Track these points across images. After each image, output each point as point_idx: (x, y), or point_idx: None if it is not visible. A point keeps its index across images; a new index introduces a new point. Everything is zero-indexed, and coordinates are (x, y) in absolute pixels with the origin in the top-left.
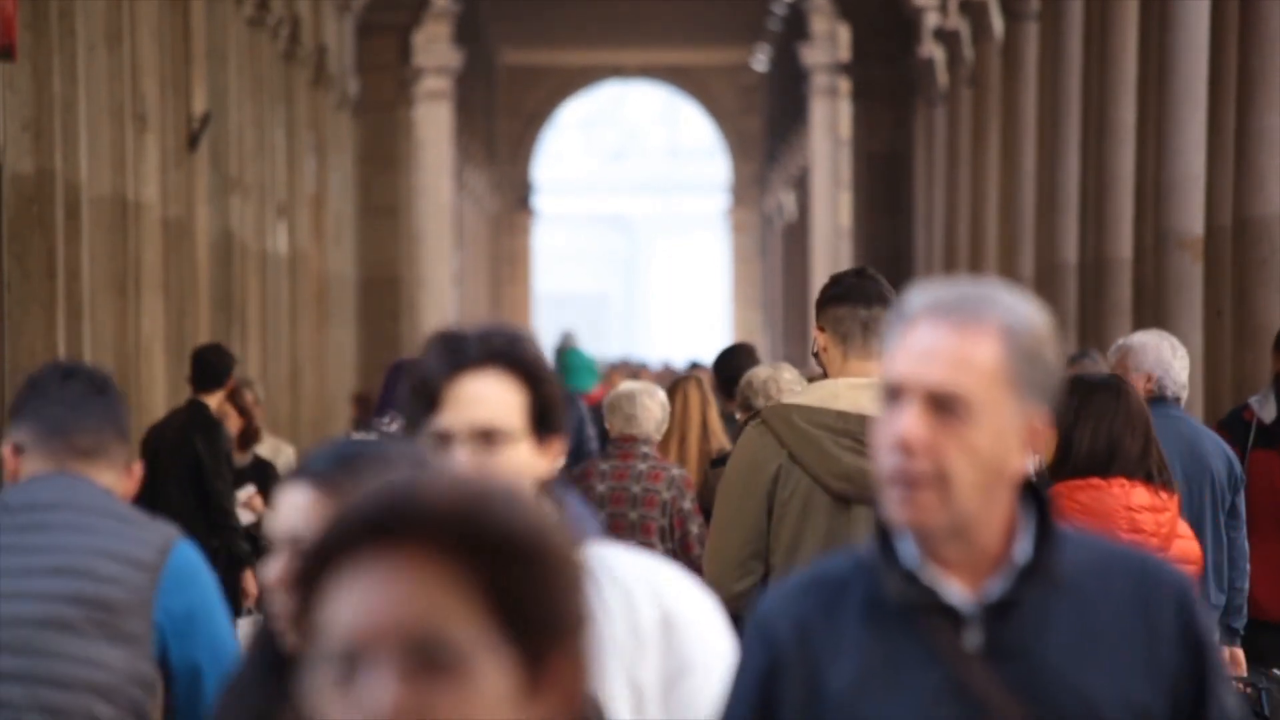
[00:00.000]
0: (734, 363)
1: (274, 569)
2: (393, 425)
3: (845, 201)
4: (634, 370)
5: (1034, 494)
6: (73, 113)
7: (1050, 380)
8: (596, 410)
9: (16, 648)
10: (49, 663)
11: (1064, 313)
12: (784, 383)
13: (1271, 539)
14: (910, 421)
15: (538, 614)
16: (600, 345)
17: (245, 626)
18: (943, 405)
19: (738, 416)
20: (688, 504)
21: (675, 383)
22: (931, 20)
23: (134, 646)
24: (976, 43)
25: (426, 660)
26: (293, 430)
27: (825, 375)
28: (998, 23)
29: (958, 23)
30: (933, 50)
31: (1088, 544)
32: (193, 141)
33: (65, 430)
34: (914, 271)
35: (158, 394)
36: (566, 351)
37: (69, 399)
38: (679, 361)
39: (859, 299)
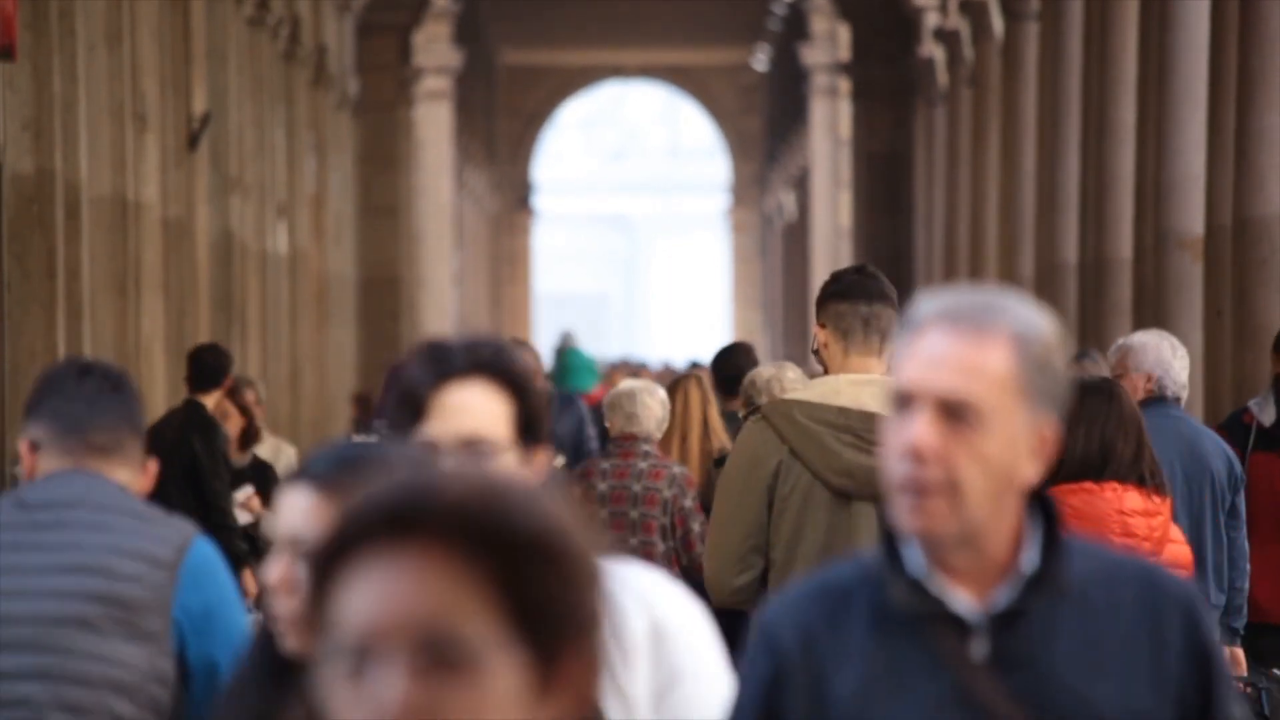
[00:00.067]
0: (732, 362)
1: (275, 571)
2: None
3: (845, 201)
4: (634, 370)
5: (1041, 503)
6: (73, 113)
7: (1059, 389)
8: (596, 410)
9: (36, 645)
10: (69, 660)
11: (1064, 313)
12: (787, 382)
13: (1272, 542)
14: (922, 429)
15: (551, 613)
16: (600, 345)
17: None
18: (954, 413)
19: (740, 415)
20: (689, 502)
21: (676, 381)
22: (931, 20)
23: (153, 644)
24: (976, 43)
25: (437, 657)
26: (293, 430)
27: (826, 373)
28: (998, 23)
29: (958, 23)
30: (933, 50)
31: (1094, 554)
32: (193, 141)
33: (82, 427)
34: (914, 271)
35: (158, 394)
36: (566, 351)
37: (85, 396)
38: (679, 361)
39: (860, 295)
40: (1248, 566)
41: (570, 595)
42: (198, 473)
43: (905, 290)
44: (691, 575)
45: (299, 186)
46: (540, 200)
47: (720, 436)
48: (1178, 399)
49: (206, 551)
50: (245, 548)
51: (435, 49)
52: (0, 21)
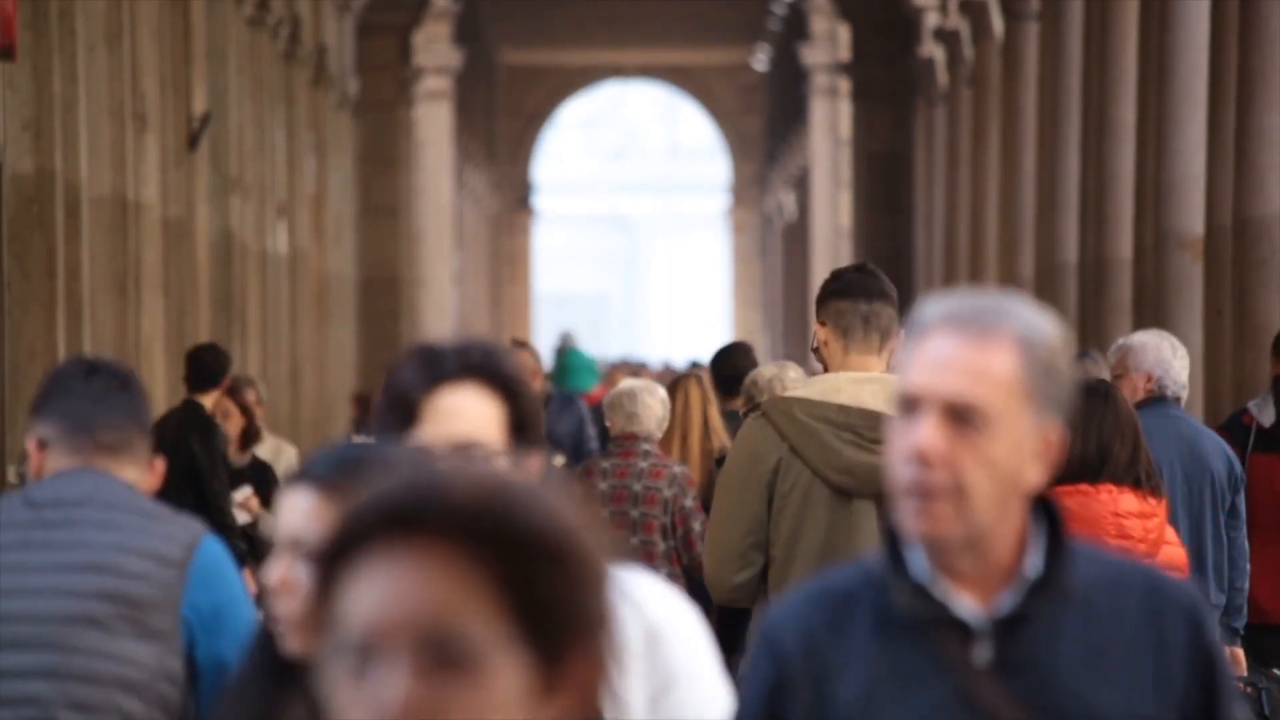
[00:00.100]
0: (731, 361)
1: (275, 572)
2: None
3: (845, 201)
4: (634, 370)
5: (1045, 507)
6: (73, 112)
7: (1064, 392)
8: (597, 410)
9: (45, 643)
10: (78, 659)
11: (1064, 313)
12: (789, 381)
13: (1273, 543)
14: (928, 433)
15: (557, 613)
16: (600, 345)
17: None
18: (960, 416)
19: (741, 414)
20: (689, 501)
21: (676, 381)
22: (931, 20)
23: (162, 642)
24: (976, 43)
25: (440, 656)
26: (293, 430)
27: (825, 371)
28: (998, 23)
29: (958, 23)
30: (933, 50)
31: (1098, 558)
32: (193, 141)
33: (90, 426)
34: (914, 271)
35: (158, 394)
36: (566, 351)
37: (93, 394)
38: (679, 361)
39: (860, 293)
40: (1248, 566)
41: (576, 595)
42: (196, 473)
43: (905, 290)
44: (692, 574)
45: (299, 186)
46: (540, 200)
47: (720, 436)
48: (1178, 399)
49: (215, 550)
50: (244, 548)
51: (435, 49)
52: (0, 21)
